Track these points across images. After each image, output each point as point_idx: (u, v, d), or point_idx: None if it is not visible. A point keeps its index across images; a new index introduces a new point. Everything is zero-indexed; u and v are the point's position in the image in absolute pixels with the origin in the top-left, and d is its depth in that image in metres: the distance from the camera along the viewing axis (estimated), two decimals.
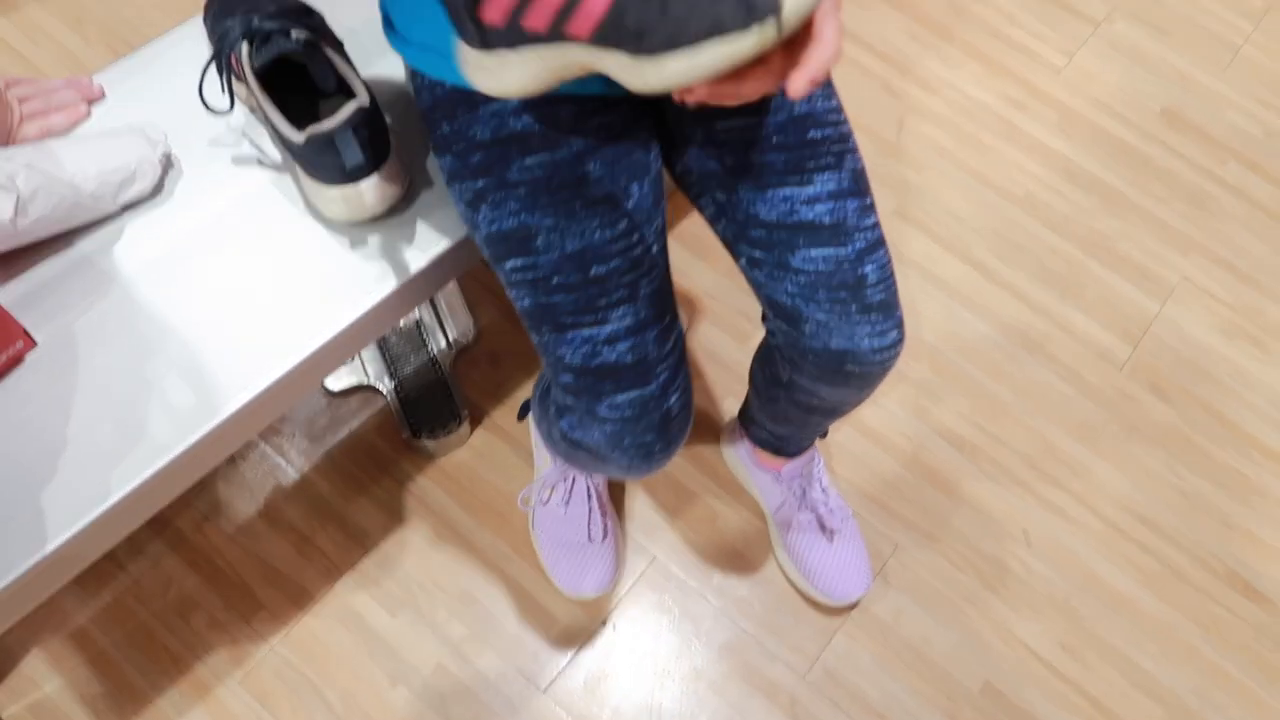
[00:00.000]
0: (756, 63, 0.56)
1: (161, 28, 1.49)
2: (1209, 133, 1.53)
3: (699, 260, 1.37)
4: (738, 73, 0.56)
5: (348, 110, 0.74)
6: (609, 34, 0.54)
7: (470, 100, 0.79)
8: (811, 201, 0.78)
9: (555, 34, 0.57)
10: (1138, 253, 1.42)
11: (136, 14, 1.50)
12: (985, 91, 1.55)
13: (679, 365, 0.79)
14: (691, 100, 0.58)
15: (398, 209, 0.84)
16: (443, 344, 1.26)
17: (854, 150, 0.81)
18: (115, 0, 1.51)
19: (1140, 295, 1.39)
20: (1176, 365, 1.34)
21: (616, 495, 1.20)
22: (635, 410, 0.76)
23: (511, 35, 0.59)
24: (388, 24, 0.84)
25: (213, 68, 0.87)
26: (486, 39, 0.61)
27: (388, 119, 0.88)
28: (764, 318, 0.88)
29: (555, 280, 0.75)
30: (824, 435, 1.11)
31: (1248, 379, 1.33)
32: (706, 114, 0.80)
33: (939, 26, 1.60)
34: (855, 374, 0.81)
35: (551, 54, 0.59)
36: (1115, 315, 1.37)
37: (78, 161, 0.78)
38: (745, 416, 1.11)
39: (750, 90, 0.57)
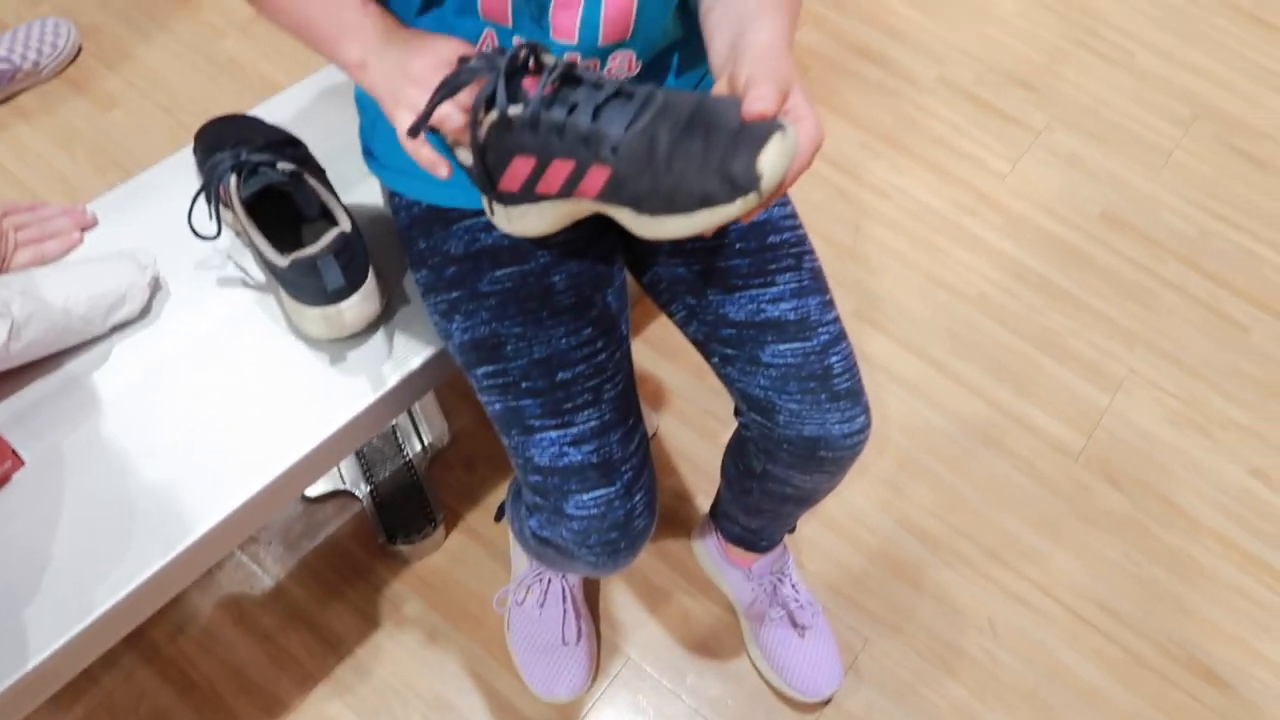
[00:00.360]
0: None
1: (148, 149, 1.54)
2: (1147, 233, 1.62)
3: (666, 361, 1.42)
4: None
5: (330, 236, 0.79)
6: (611, 197, 0.62)
7: (444, 218, 0.84)
8: (776, 300, 0.83)
9: (565, 194, 0.65)
10: (1086, 348, 1.49)
11: (124, 135, 1.56)
12: (935, 197, 1.63)
13: (643, 465, 0.83)
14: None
15: (376, 324, 0.88)
16: (418, 448, 1.29)
17: (811, 251, 0.87)
18: (103, 122, 1.57)
19: (1091, 389, 1.44)
20: (1128, 456, 1.39)
21: (591, 594, 1.22)
22: (601, 509, 0.80)
23: (528, 197, 0.67)
24: (366, 151, 0.90)
25: (202, 197, 0.92)
26: (507, 200, 0.68)
27: (365, 238, 0.93)
28: (737, 412, 0.92)
29: (524, 385, 0.79)
30: (792, 530, 1.14)
31: (1197, 467, 1.39)
32: None
33: (889, 137, 1.70)
34: (828, 459, 0.86)
35: (566, 205, 0.66)
36: (1068, 409, 1.42)
37: (70, 286, 0.82)
38: (717, 512, 1.14)
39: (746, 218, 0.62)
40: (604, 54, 0.76)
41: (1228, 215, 1.65)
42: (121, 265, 0.85)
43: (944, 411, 1.41)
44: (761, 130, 0.57)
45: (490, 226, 0.82)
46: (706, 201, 0.57)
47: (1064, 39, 1.86)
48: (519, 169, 0.65)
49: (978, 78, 1.79)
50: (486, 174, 0.67)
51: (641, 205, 0.61)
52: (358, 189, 0.96)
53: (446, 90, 0.64)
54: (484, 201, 0.72)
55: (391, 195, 0.88)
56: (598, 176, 0.61)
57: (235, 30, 1.70)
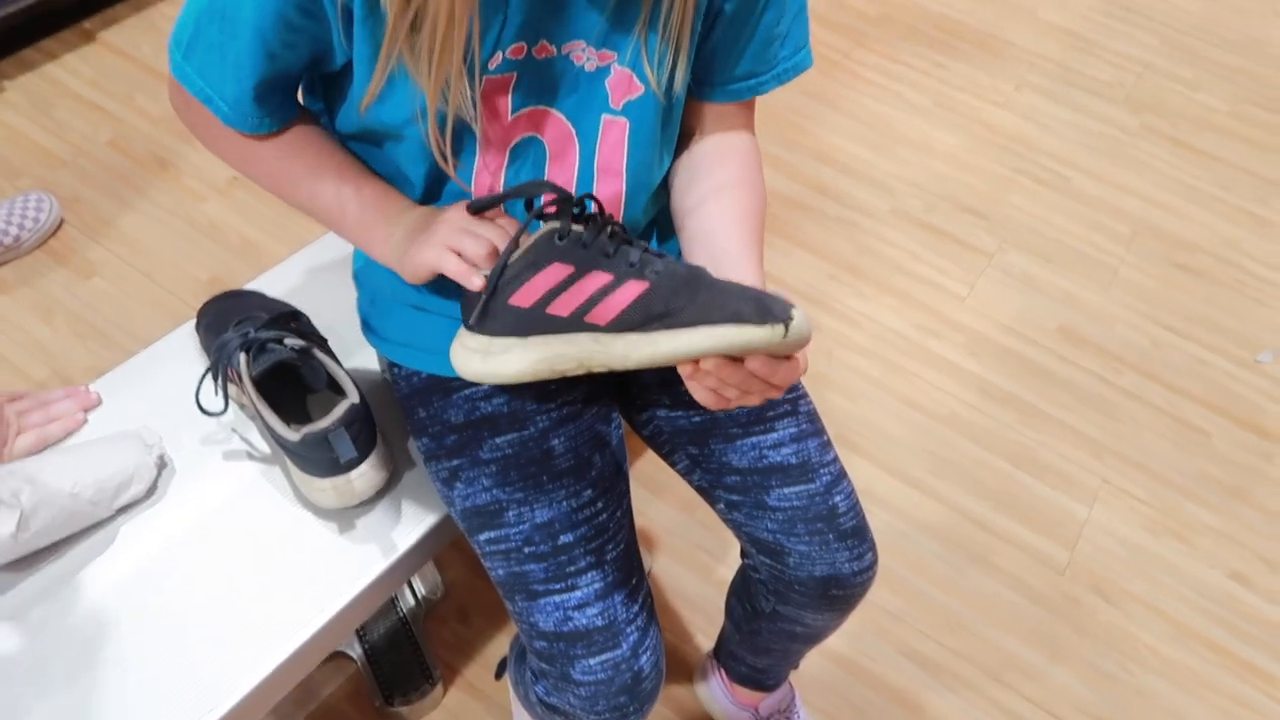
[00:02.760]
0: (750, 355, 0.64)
1: (129, 315, 1.56)
2: (1103, 346, 1.69)
3: (656, 498, 1.43)
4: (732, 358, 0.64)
5: (340, 410, 0.81)
6: (629, 318, 0.64)
7: (444, 387, 0.87)
8: (777, 446, 0.86)
9: (574, 321, 0.66)
10: (1059, 460, 1.53)
11: (104, 303, 1.58)
12: (901, 321, 1.70)
13: (648, 625, 0.83)
14: (698, 379, 0.66)
15: (384, 490, 0.89)
16: (411, 602, 1.28)
17: (805, 395, 0.90)
18: (83, 290, 1.59)
19: (1068, 501, 1.48)
20: (1112, 566, 1.42)
21: None
22: (608, 673, 0.80)
23: (529, 322, 0.67)
24: (365, 324, 0.93)
25: (209, 376, 0.93)
26: (499, 325, 0.68)
27: (370, 404, 0.95)
28: (744, 554, 0.94)
29: (526, 550, 0.80)
30: (796, 666, 1.14)
31: (1179, 574, 1.42)
32: (671, 380, 0.89)
33: (852, 266, 1.78)
34: (839, 597, 0.87)
35: (559, 344, 0.67)
36: (1048, 522, 1.46)
37: (77, 471, 0.82)
38: (722, 652, 1.14)
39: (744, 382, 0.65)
40: None
41: (1175, 325, 1.73)
42: (127, 446, 0.86)
43: (930, 532, 1.43)
44: (788, 300, 0.63)
45: (490, 395, 0.85)
46: (736, 318, 0.61)
47: (1004, 167, 1.98)
48: (549, 277, 0.66)
49: (928, 206, 1.89)
50: (493, 291, 0.68)
51: (665, 319, 0.63)
52: (358, 355, 0.99)
53: (521, 190, 0.69)
54: (456, 344, 0.72)
55: (391, 365, 0.91)
56: (630, 291, 0.64)
57: (215, 194, 1.75)
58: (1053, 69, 2.19)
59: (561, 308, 0.66)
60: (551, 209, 0.69)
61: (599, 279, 0.65)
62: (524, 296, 0.67)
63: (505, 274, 0.68)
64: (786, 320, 0.60)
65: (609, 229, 0.67)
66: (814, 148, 1.96)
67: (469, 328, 0.71)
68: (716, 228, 0.78)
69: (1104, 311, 1.74)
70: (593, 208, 0.70)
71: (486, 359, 0.69)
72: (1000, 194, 1.92)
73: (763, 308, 0.61)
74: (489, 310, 0.69)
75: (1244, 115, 2.13)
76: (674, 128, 0.83)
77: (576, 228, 0.67)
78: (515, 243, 0.69)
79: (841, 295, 1.73)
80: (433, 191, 0.81)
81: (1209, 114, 2.13)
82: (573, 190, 0.80)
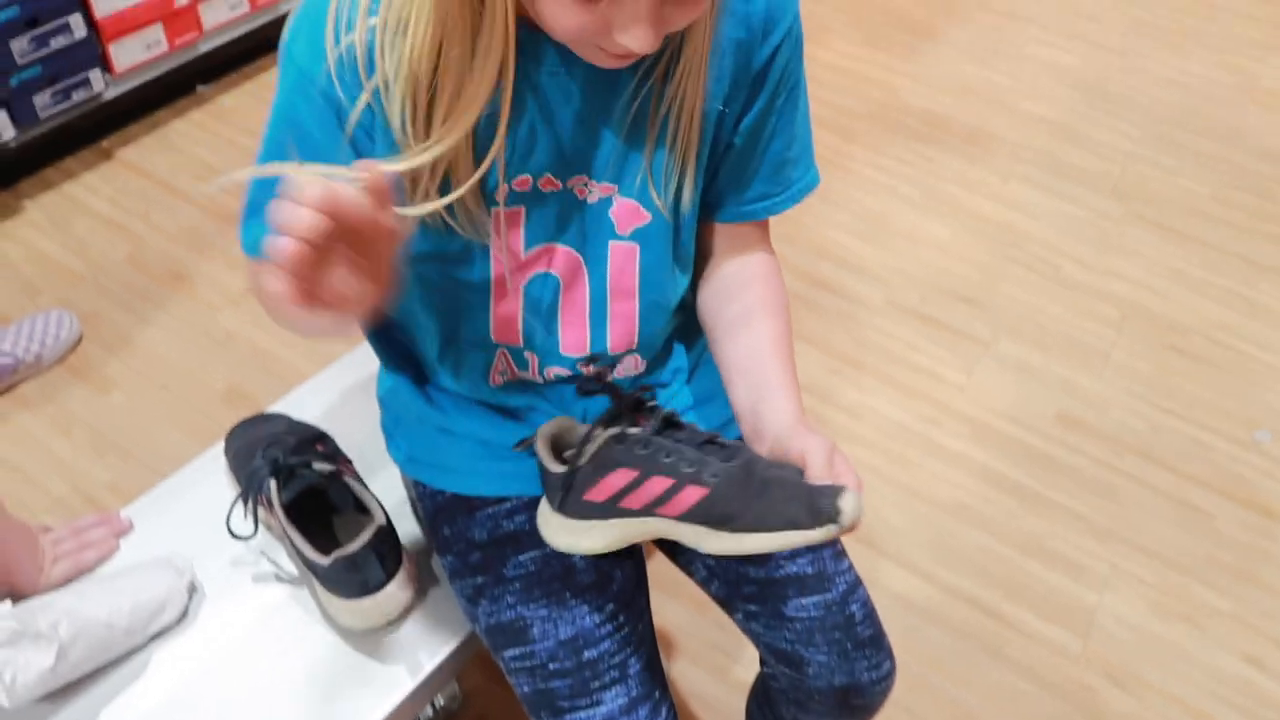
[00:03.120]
0: None
1: (146, 429, 1.59)
2: (1102, 431, 1.72)
3: (670, 599, 1.44)
4: None
5: (368, 533, 0.83)
6: (694, 516, 0.70)
7: (468, 505, 0.89)
8: (793, 557, 0.88)
9: (646, 512, 0.73)
10: (1066, 547, 1.55)
11: (122, 417, 1.61)
12: (902, 412, 1.73)
13: None
14: None
15: (410, 609, 0.91)
16: (429, 713, 1.28)
17: None
18: (101, 405, 1.63)
19: (1078, 588, 1.50)
20: (1126, 653, 1.42)
21: None
22: None
23: (606, 511, 0.75)
24: (390, 443, 0.96)
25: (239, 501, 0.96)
26: (580, 511, 0.76)
27: (394, 522, 0.97)
28: (762, 662, 0.95)
29: (551, 666, 0.82)
30: None
31: (1193, 660, 1.42)
32: None
33: (851, 359, 1.82)
34: (860, 705, 0.89)
35: (636, 524, 0.74)
36: (1059, 610, 1.47)
37: (113, 600, 0.84)
38: None
39: None
40: (614, 360, 0.84)
41: (1173, 408, 1.77)
42: (160, 573, 0.88)
43: (941, 624, 1.44)
44: (834, 487, 0.67)
45: (512, 513, 0.87)
46: (793, 524, 0.66)
47: (994, 256, 2.04)
48: (616, 480, 0.73)
49: (923, 297, 1.94)
50: (569, 487, 0.75)
51: (727, 524, 0.69)
52: (381, 471, 1.01)
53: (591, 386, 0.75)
54: (544, 519, 0.79)
55: (415, 483, 0.94)
56: (691, 495, 0.70)
57: (229, 305, 1.80)
58: (1038, 159, 2.27)
59: (633, 502, 0.73)
60: (590, 382, 0.75)
61: (661, 483, 0.72)
62: (597, 494, 0.75)
63: (578, 476, 0.75)
64: (836, 517, 0.65)
65: (662, 419, 0.74)
66: (810, 242, 2.02)
67: (555, 510, 0.78)
68: (752, 362, 0.82)
69: (1101, 396, 1.78)
70: (619, 371, 0.77)
71: (572, 534, 0.78)
72: (993, 283, 1.98)
73: (815, 510, 0.65)
74: (568, 500, 0.76)
75: (1227, 200, 2.20)
76: (687, 246, 0.85)
77: (634, 430, 0.73)
78: (582, 448, 0.75)
79: (843, 388, 1.76)
80: (450, 336, 0.84)
81: (1193, 200, 2.20)
82: (587, 334, 0.84)
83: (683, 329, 0.92)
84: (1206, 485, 1.65)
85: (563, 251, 0.80)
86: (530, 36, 0.68)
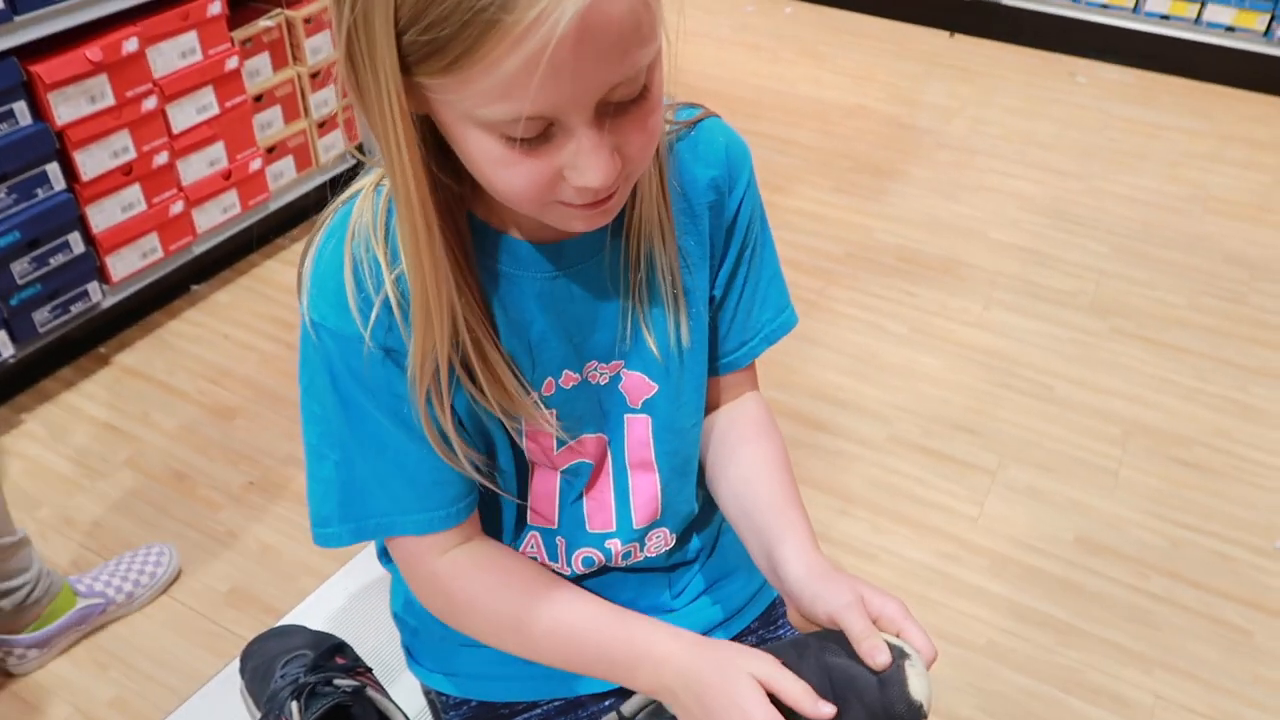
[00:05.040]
0: None
1: (153, 640, 1.55)
2: (1123, 552, 1.70)
3: None
4: None
5: None
6: None
7: (494, 714, 0.86)
8: None
9: None
10: (1106, 680, 1.50)
11: (125, 627, 1.57)
12: (918, 551, 1.71)
13: None
14: None
15: None
16: None
17: None
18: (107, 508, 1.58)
19: None
20: None
21: None
22: None
23: None
24: (409, 655, 0.93)
25: None
26: None
27: None
28: None
29: None
30: None
31: None
32: None
33: (861, 499, 1.80)
34: None
35: None
36: None
37: None
38: None
39: None
40: (642, 535, 0.83)
41: (1190, 522, 1.75)
42: None
43: None
44: (894, 670, 0.62)
45: None
46: None
47: (987, 383, 2.06)
48: None
49: (924, 430, 1.94)
50: None
51: None
52: (403, 678, 0.98)
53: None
54: None
55: (438, 694, 0.90)
56: None
57: (230, 501, 1.78)
58: (1015, 284, 2.33)
59: None
60: None
61: None
62: None
63: None
64: (919, 711, 0.60)
65: None
66: (805, 386, 2.03)
67: None
68: (746, 487, 0.81)
69: (1116, 516, 1.76)
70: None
71: None
72: (990, 409, 1.99)
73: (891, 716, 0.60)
74: None
75: (1202, 307, 2.25)
76: (696, 405, 0.85)
77: None
78: None
79: (856, 530, 1.74)
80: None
81: (1170, 310, 2.25)
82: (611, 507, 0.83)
83: (706, 504, 0.91)
84: (1237, 599, 1.62)
85: (591, 439, 0.81)
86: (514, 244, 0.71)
